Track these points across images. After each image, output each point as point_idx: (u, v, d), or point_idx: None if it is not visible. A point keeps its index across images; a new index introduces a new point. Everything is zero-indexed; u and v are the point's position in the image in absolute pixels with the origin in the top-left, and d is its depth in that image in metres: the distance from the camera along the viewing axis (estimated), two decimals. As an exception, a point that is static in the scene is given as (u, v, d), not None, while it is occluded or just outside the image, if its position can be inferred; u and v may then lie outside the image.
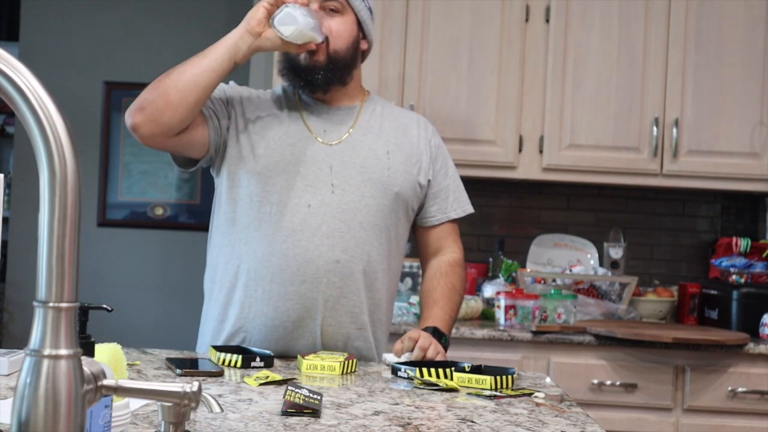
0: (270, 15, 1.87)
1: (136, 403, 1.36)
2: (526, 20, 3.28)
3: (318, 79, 2.00)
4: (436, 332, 1.98)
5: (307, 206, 1.96)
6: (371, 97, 2.16)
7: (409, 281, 3.37)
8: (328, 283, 1.95)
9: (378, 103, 2.15)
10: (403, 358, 1.91)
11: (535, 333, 2.91)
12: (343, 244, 1.96)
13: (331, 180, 1.98)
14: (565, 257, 3.53)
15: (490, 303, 3.25)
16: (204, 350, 2.04)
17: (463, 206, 2.17)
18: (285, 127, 2.02)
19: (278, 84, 2.17)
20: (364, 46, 2.09)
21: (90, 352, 1.29)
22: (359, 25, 2.05)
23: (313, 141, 2.01)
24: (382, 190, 2.01)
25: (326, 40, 1.97)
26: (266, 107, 2.05)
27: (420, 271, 3.36)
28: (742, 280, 3.24)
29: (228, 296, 2.01)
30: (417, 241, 2.21)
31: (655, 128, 3.25)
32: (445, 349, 1.97)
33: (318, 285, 1.95)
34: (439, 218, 2.14)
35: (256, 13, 1.88)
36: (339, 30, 1.99)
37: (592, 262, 3.52)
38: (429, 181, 2.11)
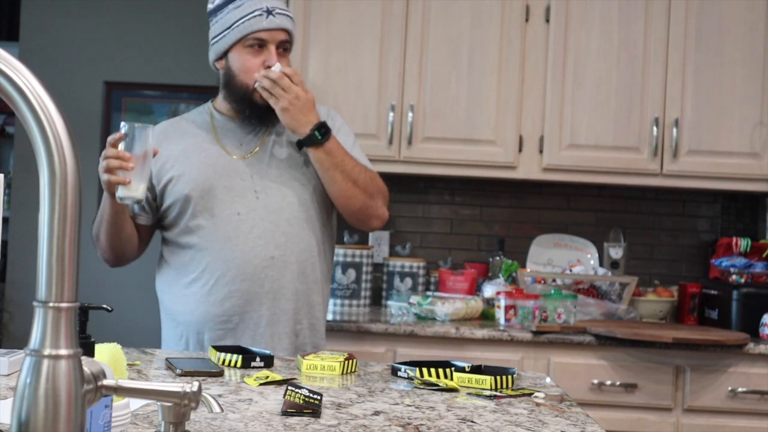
0: (110, 183, 2.01)
1: (136, 403, 1.36)
2: (526, 20, 3.28)
3: (274, 116, 2.21)
4: (324, 125, 2.19)
5: (237, 214, 2.21)
6: None
7: (409, 281, 3.37)
8: (266, 278, 2.21)
9: None
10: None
11: (535, 333, 2.91)
12: (274, 241, 2.21)
13: (253, 187, 2.23)
14: (565, 257, 3.53)
15: (490, 303, 3.25)
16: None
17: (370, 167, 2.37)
18: (204, 152, 2.25)
19: None
20: None
21: (90, 352, 1.29)
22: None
23: (230, 158, 2.24)
24: (301, 186, 2.26)
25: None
26: (180, 139, 2.27)
27: (420, 271, 3.37)
28: (742, 280, 3.24)
29: (179, 303, 2.25)
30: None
31: (655, 128, 3.25)
32: (322, 139, 2.18)
33: (258, 280, 2.20)
34: None
35: (109, 192, 2.06)
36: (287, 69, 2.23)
37: (592, 262, 3.52)
38: None
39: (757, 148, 3.27)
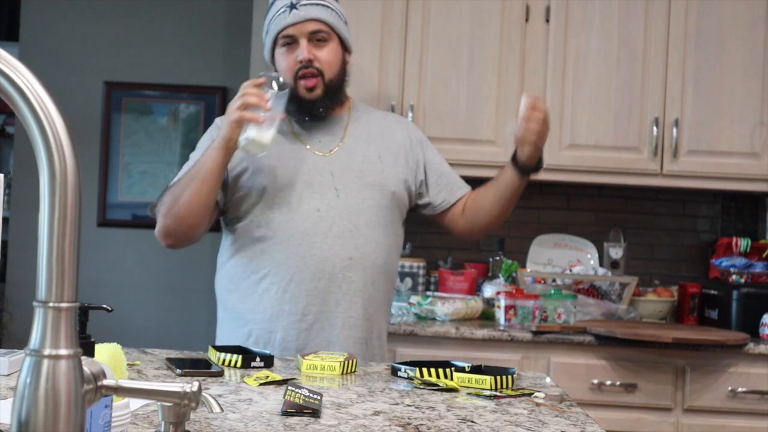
0: (238, 131, 1.97)
1: (136, 403, 1.36)
2: (526, 20, 3.28)
3: (320, 111, 2.18)
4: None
5: (317, 210, 2.13)
6: (355, 105, 2.31)
7: (409, 281, 3.36)
8: (344, 279, 2.13)
9: (361, 111, 2.31)
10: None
11: (535, 333, 2.91)
12: (353, 242, 2.13)
13: (334, 185, 2.16)
14: (565, 257, 3.53)
15: (490, 303, 3.25)
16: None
17: (464, 186, 2.35)
18: (281, 144, 2.15)
19: None
20: (348, 59, 2.23)
21: (90, 352, 1.29)
22: (342, 44, 2.20)
23: (311, 154, 2.18)
24: (380, 191, 2.19)
25: (321, 73, 2.14)
26: None
27: (420, 271, 3.37)
28: (742, 280, 3.24)
29: (248, 301, 2.14)
30: (445, 224, 2.34)
31: (655, 128, 3.25)
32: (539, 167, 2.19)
33: (335, 281, 2.12)
34: (457, 195, 2.31)
35: (232, 134, 1.97)
36: (330, 60, 2.16)
37: (592, 262, 3.52)
38: (422, 180, 2.28)
39: (757, 148, 3.27)
